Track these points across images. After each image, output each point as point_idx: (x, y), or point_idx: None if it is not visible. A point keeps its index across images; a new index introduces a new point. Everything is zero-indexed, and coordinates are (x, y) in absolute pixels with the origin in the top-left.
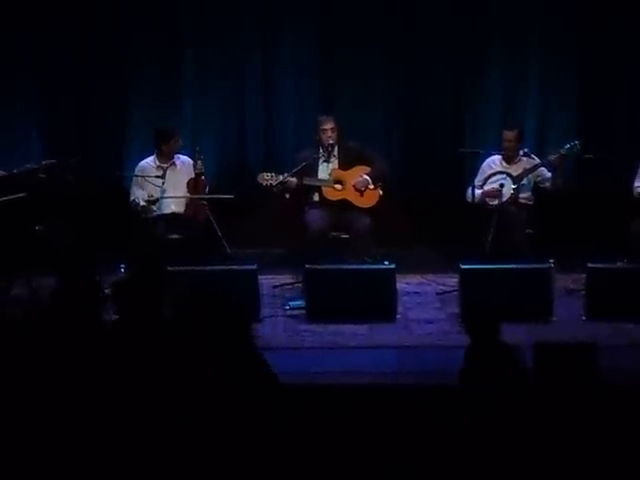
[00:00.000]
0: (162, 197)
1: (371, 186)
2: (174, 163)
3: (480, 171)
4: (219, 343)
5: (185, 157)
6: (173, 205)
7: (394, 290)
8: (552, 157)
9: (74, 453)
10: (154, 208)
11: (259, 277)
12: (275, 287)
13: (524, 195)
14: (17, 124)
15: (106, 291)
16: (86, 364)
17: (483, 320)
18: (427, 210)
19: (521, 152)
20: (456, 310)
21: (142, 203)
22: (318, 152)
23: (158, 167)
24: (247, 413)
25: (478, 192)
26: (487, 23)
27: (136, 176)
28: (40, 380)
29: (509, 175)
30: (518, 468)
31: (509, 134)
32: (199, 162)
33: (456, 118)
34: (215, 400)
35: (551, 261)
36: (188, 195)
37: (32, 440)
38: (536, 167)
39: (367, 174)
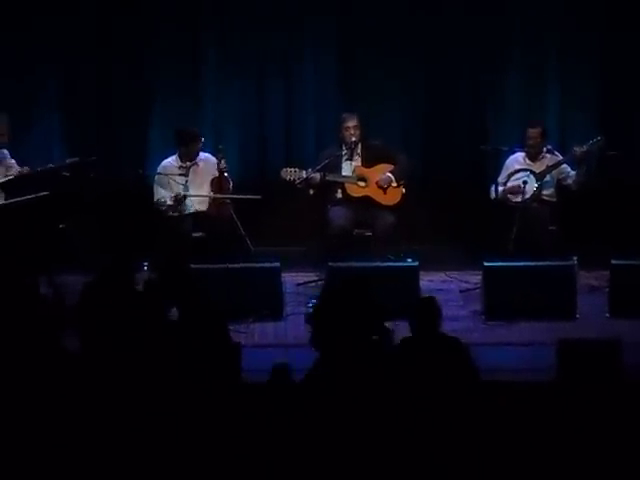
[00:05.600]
0: (188, 195)
1: (394, 184)
2: (196, 163)
3: (504, 168)
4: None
5: (208, 155)
6: (197, 204)
7: (417, 287)
8: (575, 153)
9: (108, 447)
10: (184, 206)
11: (282, 275)
12: (298, 285)
13: (547, 192)
14: (39, 122)
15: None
16: (127, 358)
17: (425, 313)
18: (450, 207)
19: (545, 149)
20: (479, 307)
21: (169, 202)
22: (341, 150)
23: (181, 167)
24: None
25: (501, 189)
26: (508, 19)
27: (159, 174)
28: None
29: (532, 172)
30: (541, 466)
31: (532, 131)
32: (222, 161)
33: (478, 115)
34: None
35: (574, 258)
36: (212, 194)
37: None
38: (559, 164)
39: (390, 172)
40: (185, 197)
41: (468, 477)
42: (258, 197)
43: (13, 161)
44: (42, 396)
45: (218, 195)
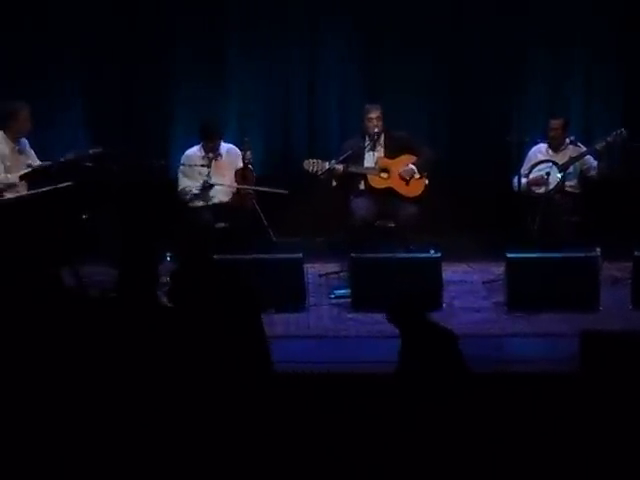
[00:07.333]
0: (215, 184)
1: (417, 175)
2: (220, 154)
3: (526, 159)
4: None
5: (231, 146)
6: (219, 194)
7: (440, 279)
8: (598, 145)
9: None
10: (210, 195)
11: (305, 266)
12: (321, 276)
13: (570, 183)
14: (63, 113)
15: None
16: (142, 348)
17: (408, 310)
18: (473, 199)
19: (568, 140)
20: (502, 299)
21: (195, 191)
22: (364, 141)
23: (204, 157)
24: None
25: (524, 180)
26: (532, 10)
27: (182, 165)
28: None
29: (555, 163)
30: (563, 459)
31: (555, 122)
32: (248, 152)
33: (501, 106)
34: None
35: (597, 249)
36: (236, 185)
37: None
38: (582, 155)
39: (413, 163)
40: (212, 185)
41: (491, 469)
42: (285, 192)
43: (32, 152)
44: (62, 388)
45: (245, 186)
